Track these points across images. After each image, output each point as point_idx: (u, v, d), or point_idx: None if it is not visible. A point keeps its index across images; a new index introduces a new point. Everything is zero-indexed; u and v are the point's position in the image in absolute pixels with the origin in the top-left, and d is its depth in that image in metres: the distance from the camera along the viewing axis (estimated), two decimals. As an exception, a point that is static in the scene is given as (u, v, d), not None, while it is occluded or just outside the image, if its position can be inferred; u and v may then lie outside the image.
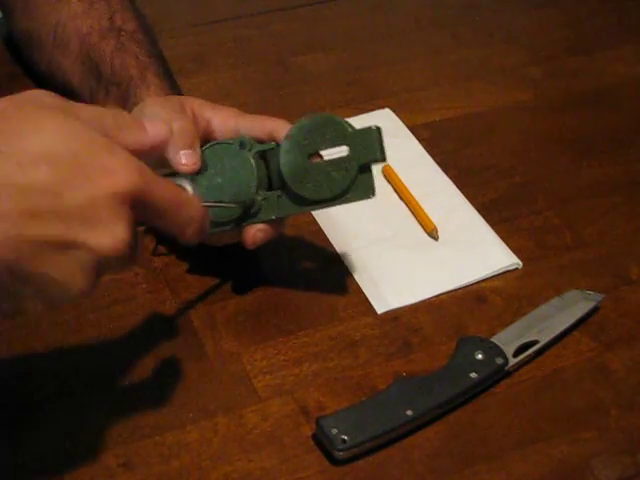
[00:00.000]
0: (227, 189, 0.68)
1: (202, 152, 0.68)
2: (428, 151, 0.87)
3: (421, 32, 1.05)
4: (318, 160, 0.67)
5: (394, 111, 0.91)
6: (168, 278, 0.74)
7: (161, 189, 0.54)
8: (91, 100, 0.82)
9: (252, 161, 0.68)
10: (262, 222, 0.68)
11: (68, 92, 0.85)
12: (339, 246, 0.77)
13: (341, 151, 0.66)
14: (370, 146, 0.66)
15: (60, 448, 0.62)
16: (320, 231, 0.78)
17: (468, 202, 0.82)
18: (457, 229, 0.79)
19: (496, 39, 1.05)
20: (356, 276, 0.75)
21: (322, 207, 0.68)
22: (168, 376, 0.67)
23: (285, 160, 0.67)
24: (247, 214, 0.68)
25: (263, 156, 0.69)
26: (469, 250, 0.77)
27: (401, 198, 0.81)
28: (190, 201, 0.56)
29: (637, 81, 1.00)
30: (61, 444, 0.62)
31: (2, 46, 0.96)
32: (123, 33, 0.82)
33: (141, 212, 0.53)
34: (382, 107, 0.92)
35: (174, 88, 0.79)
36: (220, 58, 0.99)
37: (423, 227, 0.79)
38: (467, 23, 1.07)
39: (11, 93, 0.93)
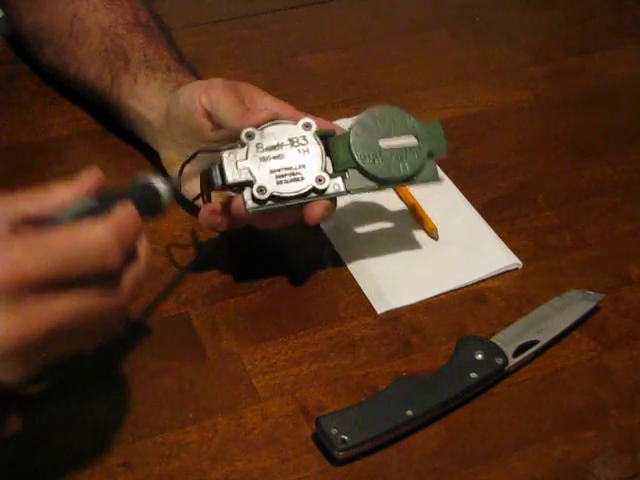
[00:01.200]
0: (293, 166, 0.69)
1: (263, 129, 0.69)
2: (428, 151, 0.87)
3: (421, 32, 1.05)
4: (390, 145, 0.71)
5: (394, 111, 0.91)
6: (168, 278, 0.74)
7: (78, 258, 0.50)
8: (111, 90, 0.81)
9: (318, 139, 0.70)
10: (328, 198, 0.69)
11: (80, 83, 0.85)
12: (339, 246, 0.77)
13: (408, 141, 0.71)
14: (438, 139, 0.72)
15: (60, 448, 0.62)
16: (320, 231, 0.78)
17: (468, 202, 0.82)
18: (457, 229, 0.79)
19: (496, 39, 1.05)
20: (356, 276, 0.75)
21: (390, 186, 0.73)
22: (168, 376, 0.67)
23: (356, 141, 0.70)
24: (315, 190, 0.69)
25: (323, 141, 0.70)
26: (469, 250, 0.77)
27: (401, 198, 0.81)
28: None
29: (637, 81, 1.00)
30: (61, 444, 0.62)
31: (2, 46, 0.96)
32: (150, 29, 0.83)
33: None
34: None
35: None
36: (220, 58, 0.99)
37: (423, 227, 0.79)
38: (467, 23, 1.07)
39: (11, 93, 0.94)
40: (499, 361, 0.67)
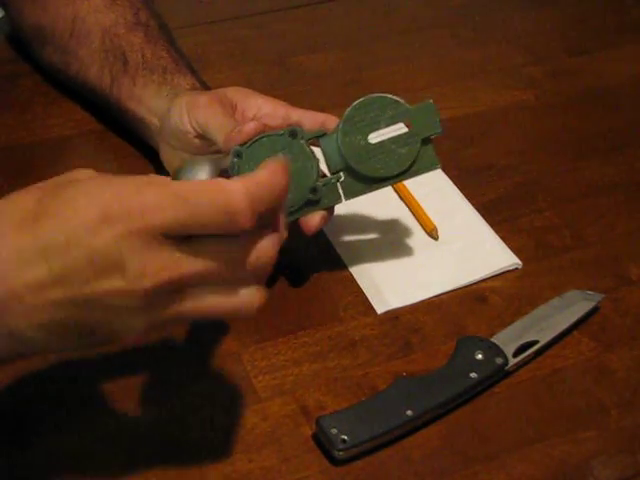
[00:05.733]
0: None
1: (251, 146, 0.67)
2: (428, 151, 0.87)
3: (421, 32, 1.05)
4: (381, 139, 0.69)
5: (394, 111, 0.91)
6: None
7: (204, 211, 0.49)
8: (111, 91, 0.81)
9: (308, 148, 0.67)
10: (324, 208, 0.69)
11: (81, 82, 0.86)
12: (339, 246, 0.77)
13: (399, 128, 0.69)
14: (430, 120, 0.69)
15: (60, 448, 0.62)
16: (320, 231, 0.78)
17: (468, 202, 0.82)
18: (457, 229, 0.79)
19: (496, 39, 1.05)
20: (356, 276, 0.75)
21: (388, 184, 0.70)
22: (168, 376, 0.67)
23: (345, 142, 0.68)
24: (310, 202, 0.68)
25: (313, 144, 0.69)
26: (469, 250, 0.77)
27: (401, 198, 0.81)
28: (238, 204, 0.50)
29: (637, 81, 1.00)
30: (61, 444, 0.62)
31: (2, 46, 0.96)
32: (150, 29, 0.83)
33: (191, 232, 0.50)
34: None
35: (203, 83, 0.79)
36: (220, 58, 0.99)
37: (423, 227, 0.79)
38: (467, 23, 1.07)
39: (11, 93, 0.94)
40: (499, 361, 0.67)
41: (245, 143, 0.67)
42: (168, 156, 0.76)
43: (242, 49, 1.00)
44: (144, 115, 0.78)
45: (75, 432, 0.63)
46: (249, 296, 0.52)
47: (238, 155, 0.67)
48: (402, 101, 0.69)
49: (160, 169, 0.78)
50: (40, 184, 0.51)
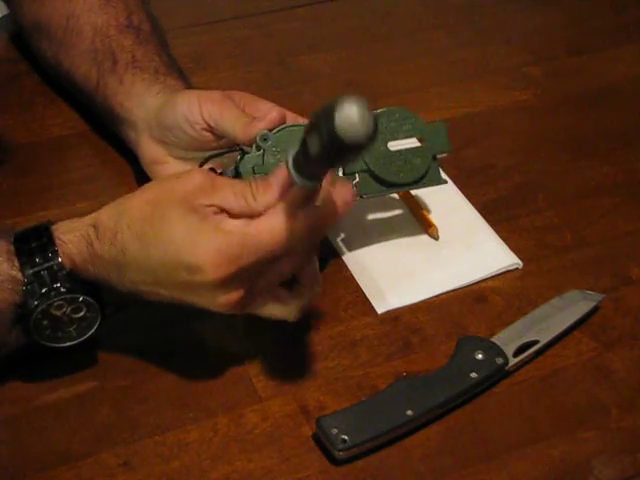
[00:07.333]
0: None
1: (278, 132, 0.69)
2: (428, 151, 0.87)
3: (421, 32, 1.05)
4: (398, 148, 0.72)
5: (394, 111, 0.91)
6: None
7: (257, 244, 0.59)
8: (97, 89, 0.81)
9: None
10: None
11: (71, 82, 0.85)
12: (339, 246, 0.77)
13: (412, 142, 0.73)
14: (441, 139, 0.74)
15: (61, 448, 0.62)
16: (320, 231, 0.78)
17: (468, 202, 0.82)
18: (457, 229, 0.79)
19: (496, 39, 1.05)
20: (356, 276, 0.75)
21: (401, 190, 0.75)
22: (168, 376, 0.67)
23: None
24: None
25: None
26: (469, 250, 0.77)
27: (401, 198, 0.81)
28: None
29: (637, 81, 1.00)
30: (62, 444, 0.62)
31: (3, 46, 0.96)
32: (141, 32, 0.83)
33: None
34: (382, 107, 0.92)
35: (191, 87, 0.79)
36: (220, 58, 0.99)
37: (423, 227, 0.79)
38: (467, 23, 1.07)
39: (11, 93, 0.93)
40: (499, 361, 0.67)
41: (270, 130, 0.69)
42: (152, 153, 0.76)
43: (242, 49, 1.00)
44: (129, 112, 0.78)
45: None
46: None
47: (265, 139, 0.69)
48: (418, 117, 0.73)
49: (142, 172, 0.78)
50: (143, 198, 0.62)
